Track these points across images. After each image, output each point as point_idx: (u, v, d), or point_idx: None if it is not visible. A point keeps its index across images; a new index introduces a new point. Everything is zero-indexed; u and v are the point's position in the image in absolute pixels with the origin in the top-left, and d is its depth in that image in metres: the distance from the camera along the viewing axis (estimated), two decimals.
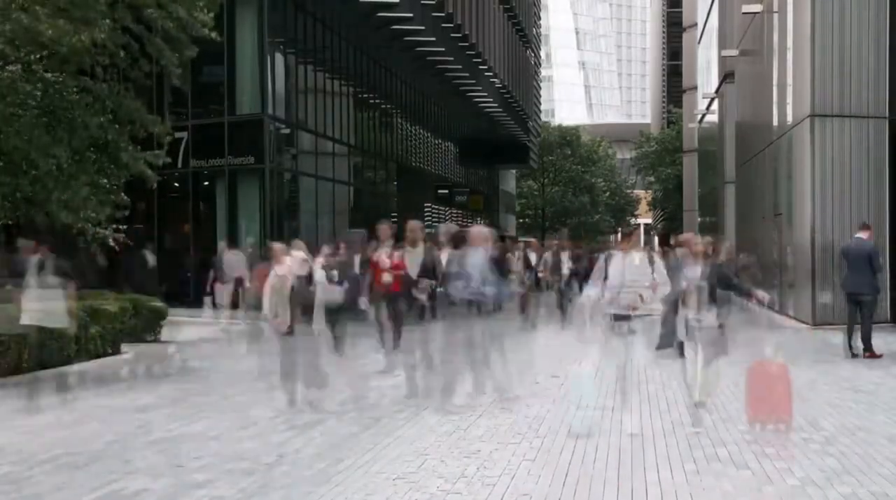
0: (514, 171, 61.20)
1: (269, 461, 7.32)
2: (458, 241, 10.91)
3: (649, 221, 79.49)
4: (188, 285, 22.79)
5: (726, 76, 33.34)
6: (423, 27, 27.77)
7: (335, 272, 11.64)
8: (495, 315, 10.44)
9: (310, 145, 26.84)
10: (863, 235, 14.02)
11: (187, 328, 17.42)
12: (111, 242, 15.94)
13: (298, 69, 26.13)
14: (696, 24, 49.21)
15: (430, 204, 40.26)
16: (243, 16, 23.78)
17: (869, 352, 13.35)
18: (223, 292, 17.57)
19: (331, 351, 11.32)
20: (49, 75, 13.71)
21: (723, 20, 34.78)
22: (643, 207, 75.24)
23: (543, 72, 79.80)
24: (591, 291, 8.89)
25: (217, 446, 7.92)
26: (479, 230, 10.44)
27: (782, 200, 21.08)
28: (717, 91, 36.55)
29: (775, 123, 22.38)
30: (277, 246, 10.65)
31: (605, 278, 8.67)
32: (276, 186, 24.56)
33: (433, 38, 28.88)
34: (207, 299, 18.09)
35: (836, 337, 14.76)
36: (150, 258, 19.31)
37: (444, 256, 10.96)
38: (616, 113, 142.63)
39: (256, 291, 11.13)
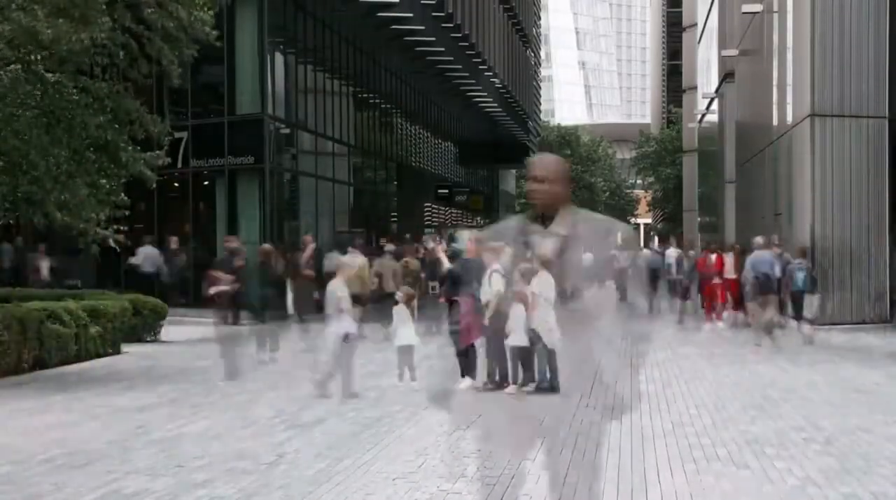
0: (514, 171, 61.17)
1: (269, 461, 7.31)
2: None
3: (649, 221, 79.53)
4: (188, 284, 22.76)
5: (726, 76, 33.34)
6: (423, 27, 27.75)
7: None
8: None
9: (310, 145, 26.81)
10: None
11: (190, 328, 17.40)
12: (112, 243, 15.90)
13: (298, 69, 26.11)
14: (695, 24, 49.25)
15: (430, 204, 40.24)
16: (243, 16, 23.72)
17: None
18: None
19: None
20: (49, 75, 13.68)
21: (723, 20, 34.79)
22: (643, 207, 75.30)
23: (543, 72, 79.83)
24: None
25: (217, 445, 7.91)
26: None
27: (782, 200, 21.09)
28: (717, 91, 36.55)
29: (775, 122, 22.38)
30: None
31: None
32: (276, 185, 24.53)
33: (433, 38, 28.86)
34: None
35: (837, 337, 14.77)
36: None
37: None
38: (616, 113, 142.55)
39: None
